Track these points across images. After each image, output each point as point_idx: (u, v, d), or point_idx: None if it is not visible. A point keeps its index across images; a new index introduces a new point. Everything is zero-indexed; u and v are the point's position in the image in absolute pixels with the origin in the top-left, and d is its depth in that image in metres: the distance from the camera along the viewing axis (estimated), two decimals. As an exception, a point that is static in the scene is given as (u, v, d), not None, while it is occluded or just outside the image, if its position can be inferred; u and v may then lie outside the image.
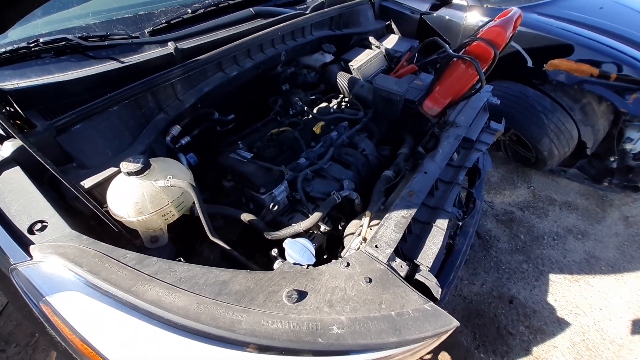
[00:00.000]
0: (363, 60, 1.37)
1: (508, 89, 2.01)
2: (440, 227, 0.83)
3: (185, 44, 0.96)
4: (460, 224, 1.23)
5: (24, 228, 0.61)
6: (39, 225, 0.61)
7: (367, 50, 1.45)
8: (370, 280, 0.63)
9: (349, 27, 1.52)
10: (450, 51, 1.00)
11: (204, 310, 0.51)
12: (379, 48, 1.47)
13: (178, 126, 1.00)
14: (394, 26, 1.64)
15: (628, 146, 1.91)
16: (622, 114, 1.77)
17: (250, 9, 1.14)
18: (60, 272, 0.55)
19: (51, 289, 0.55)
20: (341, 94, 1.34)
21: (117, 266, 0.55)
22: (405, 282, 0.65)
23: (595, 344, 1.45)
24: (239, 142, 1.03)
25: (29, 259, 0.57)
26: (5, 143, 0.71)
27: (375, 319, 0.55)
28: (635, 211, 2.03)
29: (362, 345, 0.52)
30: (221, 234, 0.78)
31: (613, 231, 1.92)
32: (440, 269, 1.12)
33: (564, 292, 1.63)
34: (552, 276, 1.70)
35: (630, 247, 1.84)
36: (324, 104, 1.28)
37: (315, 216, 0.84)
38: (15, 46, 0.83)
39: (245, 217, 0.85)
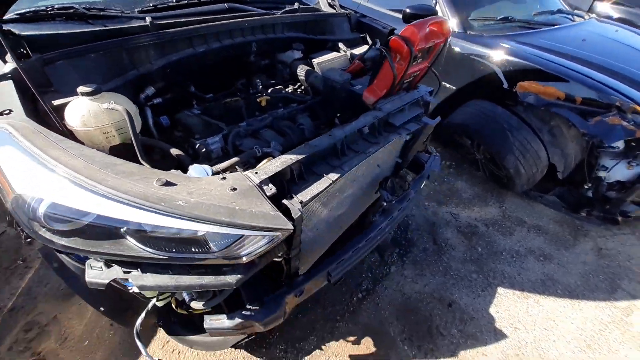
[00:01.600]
0: (325, 59, 1.57)
1: (480, 106, 2.10)
2: (329, 178, 0.95)
3: (160, 21, 1.23)
4: (385, 204, 1.33)
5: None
6: (7, 111, 0.83)
7: (334, 53, 1.66)
8: (235, 189, 0.76)
9: (324, 35, 1.75)
10: (376, 47, 1.17)
11: (87, 170, 0.68)
12: (345, 52, 1.68)
13: (152, 88, 1.25)
14: (368, 38, 1.86)
15: (602, 174, 1.88)
16: (593, 139, 1.78)
17: (225, 4, 1.42)
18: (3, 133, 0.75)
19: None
20: (300, 83, 1.54)
21: (46, 140, 0.75)
22: (266, 198, 0.78)
23: (530, 361, 1.39)
24: (194, 103, 1.25)
25: None
26: (8, 64, 0.97)
27: (219, 207, 0.69)
28: (611, 244, 1.93)
29: (194, 215, 0.65)
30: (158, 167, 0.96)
31: (581, 259, 1.84)
32: (348, 235, 1.22)
33: (509, 305, 1.59)
34: (500, 289, 1.66)
35: (596, 277, 1.75)
36: (279, 87, 1.49)
37: (232, 160, 1.01)
38: (35, 8, 1.14)
39: (174, 151, 1.03)
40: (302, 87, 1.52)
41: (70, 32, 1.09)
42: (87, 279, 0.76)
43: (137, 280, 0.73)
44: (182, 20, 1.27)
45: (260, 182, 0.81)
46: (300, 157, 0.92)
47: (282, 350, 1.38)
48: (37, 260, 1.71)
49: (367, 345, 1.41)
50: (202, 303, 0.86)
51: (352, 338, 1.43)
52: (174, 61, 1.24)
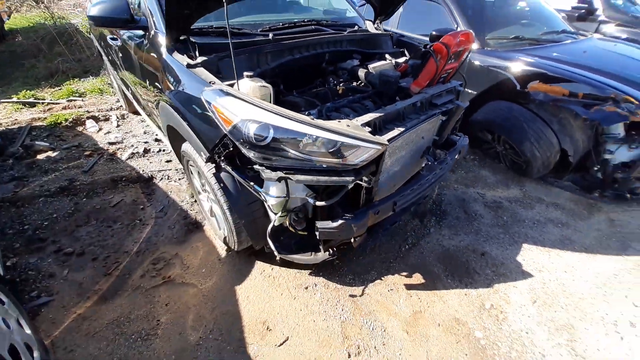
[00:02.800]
0: (378, 64, 2.11)
1: (499, 105, 2.56)
2: (398, 129, 1.42)
3: (277, 37, 1.81)
4: (429, 163, 1.77)
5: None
6: (212, 82, 1.37)
7: (382, 61, 2.20)
8: (349, 126, 1.25)
9: (374, 49, 2.31)
10: (422, 48, 1.69)
11: (276, 108, 1.18)
12: (391, 61, 2.22)
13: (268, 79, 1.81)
14: (406, 52, 2.39)
15: (608, 156, 2.24)
16: (598, 127, 2.18)
17: (312, 25, 2.02)
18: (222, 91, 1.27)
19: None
20: (360, 81, 2.08)
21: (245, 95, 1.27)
22: (368, 131, 1.25)
23: (554, 292, 1.71)
24: (293, 91, 1.79)
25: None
26: (198, 58, 1.51)
27: (348, 129, 1.17)
28: (622, 217, 2.24)
29: (339, 130, 1.13)
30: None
31: (595, 227, 2.16)
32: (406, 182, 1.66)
33: (533, 256, 1.93)
34: (525, 245, 2.00)
35: (609, 239, 2.06)
36: (347, 82, 2.04)
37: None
38: (201, 25, 1.73)
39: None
40: (362, 84, 2.04)
41: (223, 41, 1.67)
42: (265, 176, 1.23)
43: (296, 177, 1.20)
44: (288, 36, 1.84)
45: (363, 123, 1.29)
46: (380, 115, 1.40)
47: (351, 279, 1.77)
48: (152, 219, 2.23)
49: (417, 279, 1.78)
50: (325, 202, 1.30)
51: (404, 273, 1.81)
52: (282, 63, 1.80)
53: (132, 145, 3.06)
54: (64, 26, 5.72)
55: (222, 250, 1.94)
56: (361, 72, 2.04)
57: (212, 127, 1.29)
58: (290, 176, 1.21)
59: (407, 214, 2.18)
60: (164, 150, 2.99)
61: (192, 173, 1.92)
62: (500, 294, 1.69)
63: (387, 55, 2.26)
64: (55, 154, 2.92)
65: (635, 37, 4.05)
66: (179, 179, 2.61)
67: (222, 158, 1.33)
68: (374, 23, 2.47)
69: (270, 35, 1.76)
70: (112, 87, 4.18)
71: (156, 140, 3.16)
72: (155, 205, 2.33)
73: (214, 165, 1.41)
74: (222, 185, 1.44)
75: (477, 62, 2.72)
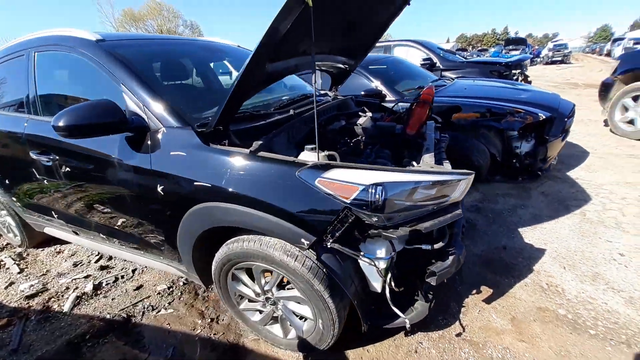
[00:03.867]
0: (362, 121, 2.39)
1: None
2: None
3: (297, 111, 1.81)
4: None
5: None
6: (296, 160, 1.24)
7: (363, 117, 2.50)
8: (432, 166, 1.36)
9: (348, 110, 2.61)
10: (410, 100, 2.07)
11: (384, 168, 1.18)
12: (368, 116, 2.55)
13: None
14: (365, 108, 2.82)
15: (517, 151, 3.13)
16: (504, 133, 3.04)
17: (305, 100, 2.16)
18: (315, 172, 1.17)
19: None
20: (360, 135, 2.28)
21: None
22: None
23: (567, 255, 2.14)
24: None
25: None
26: (255, 144, 1.32)
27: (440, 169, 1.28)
28: (545, 188, 3.10)
29: (442, 171, 1.23)
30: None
31: (539, 200, 2.89)
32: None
33: (531, 235, 2.39)
34: (519, 230, 2.47)
35: (553, 204, 2.79)
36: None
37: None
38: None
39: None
40: (363, 137, 2.24)
41: (250, 126, 1.55)
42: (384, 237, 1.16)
43: (422, 225, 1.18)
44: (301, 110, 1.88)
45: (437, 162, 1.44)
46: (433, 154, 1.60)
47: (442, 320, 1.73)
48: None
49: (486, 291, 1.90)
50: (440, 243, 1.31)
51: (474, 291, 1.90)
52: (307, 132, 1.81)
53: (68, 288, 2.18)
54: None
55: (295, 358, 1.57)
56: (358, 129, 2.26)
57: (318, 206, 1.16)
58: (416, 227, 1.20)
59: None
60: (123, 277, 2.26)
61: (240, 282, 1.57)
62: (543, 273, 2.00)
63: (360, 113, 2.59)
64: None
65: (463, 75, 5.93)
66: (169, 304, 2.00)
67: (335, 236, 1.18)
68: (330, 90, 2.81)
69: (292, 112, 1.78)
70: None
71: (102, 268, 2.37)
72: (159, 353, 1.69)
73: (313, 250, 1.23)
74: (324, 269, 1.26)
75: (399, 106, 3.40)
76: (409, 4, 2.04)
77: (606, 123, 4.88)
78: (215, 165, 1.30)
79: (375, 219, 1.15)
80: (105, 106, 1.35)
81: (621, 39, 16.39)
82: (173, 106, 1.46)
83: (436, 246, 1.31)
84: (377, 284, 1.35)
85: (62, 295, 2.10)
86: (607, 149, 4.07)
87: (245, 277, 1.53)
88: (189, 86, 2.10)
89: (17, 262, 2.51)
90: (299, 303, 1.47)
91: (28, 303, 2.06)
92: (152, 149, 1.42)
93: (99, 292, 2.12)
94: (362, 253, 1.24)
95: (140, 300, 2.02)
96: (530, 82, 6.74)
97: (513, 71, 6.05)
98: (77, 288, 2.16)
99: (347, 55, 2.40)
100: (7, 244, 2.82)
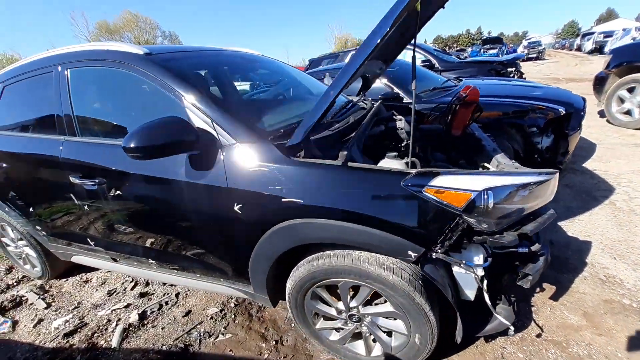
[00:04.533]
0: (399, 124, 2.38)
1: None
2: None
3: (355, 119, 1.77)
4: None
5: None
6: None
7: (398, 121, 2.49)
8: (518, 167, 1.36)
9: (382, 114, 2.60)
10: (455, 100, 2.08)
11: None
12: (402, 119, 2.54)
13: None
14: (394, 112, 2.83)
15: (539, 146, 3.21)
16: (525, 129, 3.11)
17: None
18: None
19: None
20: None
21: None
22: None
23: (612, 245, 2.19)
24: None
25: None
26: (341, 154, 1.26)
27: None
28: (567, 181, 3.19)
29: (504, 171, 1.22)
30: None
31: (566, 192, 2.97)
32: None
33: (572, 228, 2.44)
34: (559, 223, 2.52)
35: (580, 195, 2.87)
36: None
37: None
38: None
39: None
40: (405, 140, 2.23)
41: (322, 135, 1.49)
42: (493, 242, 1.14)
43: (527, 227, 1.17)
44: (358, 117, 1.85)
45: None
46: (501, 154, 1.59)
47: (519, 322, 1.72)
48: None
49: (549, 288, 1.91)
50: (536, 245, 1.29)
51: (537, 290, 1.91)
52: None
53: (110, 320, 2.03)
54: None
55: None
56: (402, 133, 2.24)
57: (427, 216, 1.12)
58: (522, 230, 1.18)
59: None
60: (167, 303, 2.13)
61: (320, 300, 1.50)
62: (597, 266, 2.04)
63: (394, 117, 2.59)
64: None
65: (462, 75, 6.06)
66: (225, 328, 1.89)
67: (445, 246, 1.15)
68: (357, 95, 2.79)
69: (352, 119, 1.74)
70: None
71: (142, 295, 2.22)
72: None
73: (419, 262, 1.19)
74: (421, 282, 1.22)
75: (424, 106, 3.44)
76: (443, 8, 2.06)
77: (602, 114, 5.11)
78: (304, 179, 1.24)
79: (485, 225, 1.12)
80: (178, 124, 1.27)
81: (591, 33, 17.40)
82: (244, 119, 1.39)
83: (533, 248, 1.30)
84: (470, 292, 1.31)
85: (106, 329, 1.95)
86: (611, 139, 4.26)
87: (326, 295, 1.46)
88: (250, 98, 2.03)
89: (41, 297, 2.32)
90: (387, 318, 1.41)
91: (68, 341, 1.89)
92: (227, 166, 1.34)
93: (145, 322, 1.98)
94: (463, 261, 1.22)
95: (194, 327, 1.90)
96: (525, 79, 7.01)
97: (509, 69, 6.26)
98: (120, 319, 2.01)
99: (383, 60, 2.40)
100: (23, 276, 2.61)
